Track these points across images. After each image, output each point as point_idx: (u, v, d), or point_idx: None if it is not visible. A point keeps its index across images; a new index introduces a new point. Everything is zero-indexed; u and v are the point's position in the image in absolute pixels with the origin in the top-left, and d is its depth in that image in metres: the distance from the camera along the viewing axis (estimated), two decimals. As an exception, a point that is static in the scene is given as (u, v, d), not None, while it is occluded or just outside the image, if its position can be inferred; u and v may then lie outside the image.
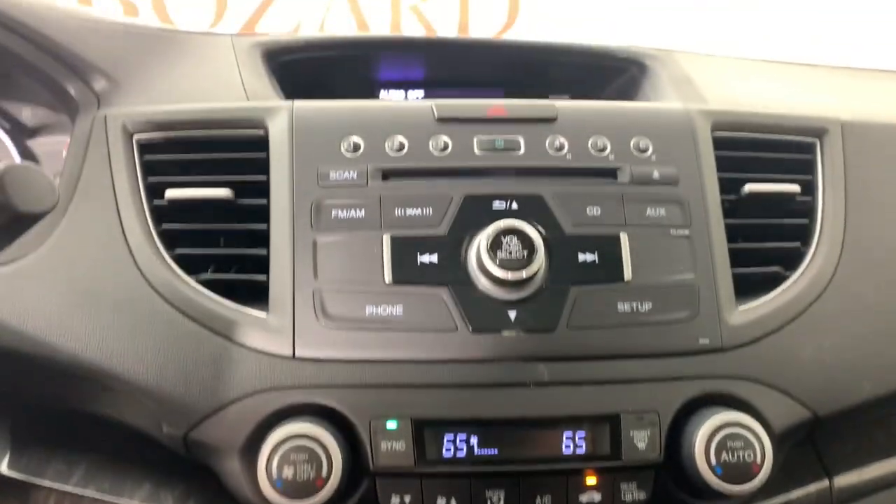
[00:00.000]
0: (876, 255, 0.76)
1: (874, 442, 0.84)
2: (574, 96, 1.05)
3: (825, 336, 0.72)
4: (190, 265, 0.71)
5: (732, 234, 0.74)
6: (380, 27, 1.96)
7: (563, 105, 0.78)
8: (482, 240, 0.67)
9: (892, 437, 0.84)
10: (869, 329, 0.73)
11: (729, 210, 0.75)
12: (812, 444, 0.78)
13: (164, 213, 0.73)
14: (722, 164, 0.76)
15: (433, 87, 1.08)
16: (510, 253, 0.66)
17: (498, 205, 0.70)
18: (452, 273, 0.68)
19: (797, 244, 0.76)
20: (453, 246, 0.69)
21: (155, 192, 0.73)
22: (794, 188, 0.77)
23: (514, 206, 0.71)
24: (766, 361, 0.70)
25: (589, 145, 0.74)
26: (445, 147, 0.73)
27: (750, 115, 0.81)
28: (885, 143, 0.83)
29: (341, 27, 1.94)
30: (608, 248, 0.70)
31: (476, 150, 0.73)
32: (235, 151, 0.75)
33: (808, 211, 0.78)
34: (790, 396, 0.70)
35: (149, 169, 0.74)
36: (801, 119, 0.82)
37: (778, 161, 0.79)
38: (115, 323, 0.68)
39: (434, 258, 0.68)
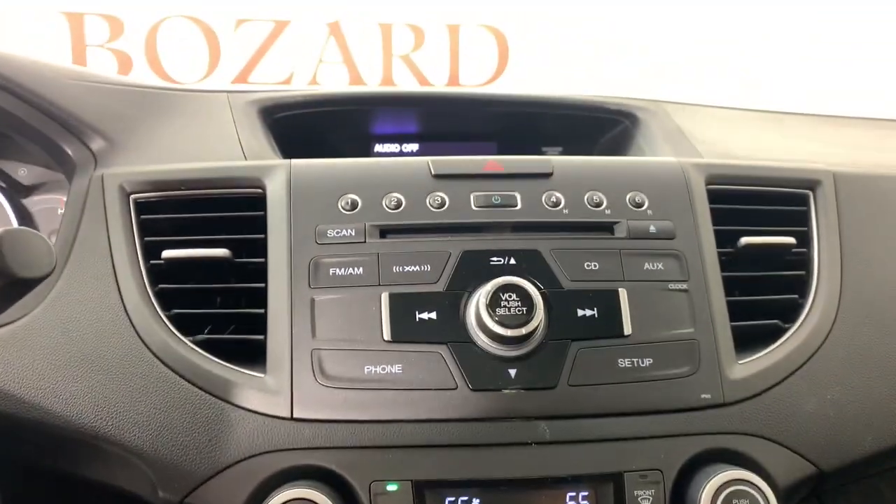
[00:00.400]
0: (874, 305, 0.76)
1: (880, 495, 0.83)
2: (568, 148, 1.07)
3: (827, 389, 0.71)
4: (187, 325, 0.70)
5: (730, 287, 0.74)
6: (372, 76, 1.99)
7: (558, 160, 0.78)
8: (481, 296, 0.66)
9: None
10: (870, 381, 0.73)
11: (726, 263, 0.75)
12: (817, 499, 0.78)
13: (160, 273, 0.72)
14: (717, 218, 0.77)
15: (427, 141, 1.09)
16: (509, 309, 0.66)
17: (496, 261, 0.70)
18: (451, 330, 0.68)
19: (795, 296, 0.76)
20: (452, 303, 0.69)
21: (152, 252, 0.73)
22: (790, 240, 0.78)
23: (513, 261, 0.71)
24: (769, 416, 0.69)
25: (585, 200, 0.75)
26: (442, 203, 0.73)
27: (743, 168, 0.82)
28: (878, 193, 0.84)
29: (334, 77, 1.96)
30: (607, 303, 0.70)
31: (473, 206, 0.74)
32: (233, 210, 0.75)
33: (805, 263, 0.78)
34: (794, 452, 0.69)
35: (146, 229, 0.74)
36: (794, 171, 0.82)
37: (772, 213, 0.79)
38: (110, 385, 0.67)
39: (433, 315, 0.68)
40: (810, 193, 0.81)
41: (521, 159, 0.79)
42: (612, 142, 1.03)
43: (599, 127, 1.04)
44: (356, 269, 0.70)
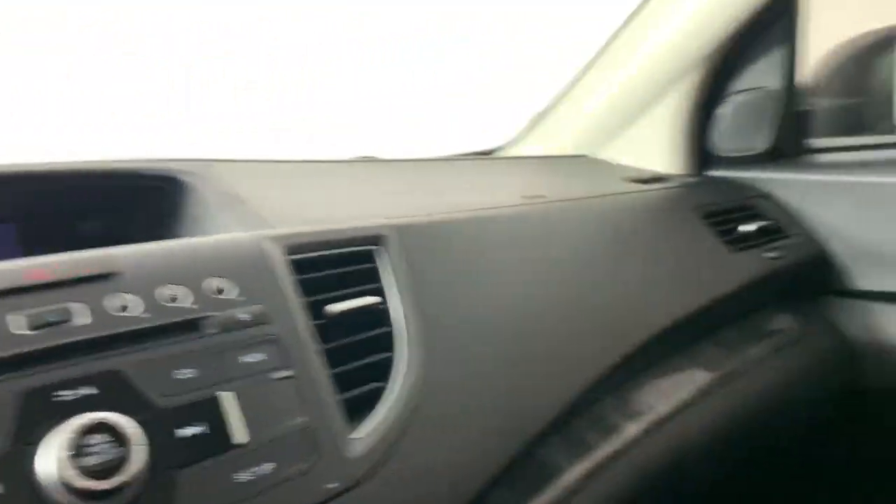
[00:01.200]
0: (463, 349, 0.81)
1: None
2: (109, 222, 0.92)
3: (441, 439, 0.74)
4: None
5: (333, 358, 0.71)
6: None
7: (117, 253, 0.66)
8: (57, 447, 0.52)
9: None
10: (476, 420, 0.78)
11: (323, 335, 0.72)
12: None
13: None
14: (305, 289, 0.73)
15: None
16: (98, 455, 0.53)
17: (68, 396, 0.56)
18: (23, 500, 0.52)
19: (389, 354, 0.77)
20: (18, 464, 0.53)
21: None
22: (372, 300, 0.78)
23: (88, 391, 0.57)
24: (398, 485, 0.69)
25: (160, 298, 0.64)
26: None
27: (316, 234, 0.80)
28: (443, 242, 0.89)
29: None
30: (210, 413, 0.61)
31: (20, 331, 0.57)
32: None
33: (391, 320, 0.80)
34: None
35: None
36: (359, 230, 0.84)
37: (353, 274, 0.79)
38: None
39: None
40: (377, 249, 0.83)
41: (73, 260, 0.65)
42: (157, 211, 0.92)
43: (141, 195, 0.93)
44: None
